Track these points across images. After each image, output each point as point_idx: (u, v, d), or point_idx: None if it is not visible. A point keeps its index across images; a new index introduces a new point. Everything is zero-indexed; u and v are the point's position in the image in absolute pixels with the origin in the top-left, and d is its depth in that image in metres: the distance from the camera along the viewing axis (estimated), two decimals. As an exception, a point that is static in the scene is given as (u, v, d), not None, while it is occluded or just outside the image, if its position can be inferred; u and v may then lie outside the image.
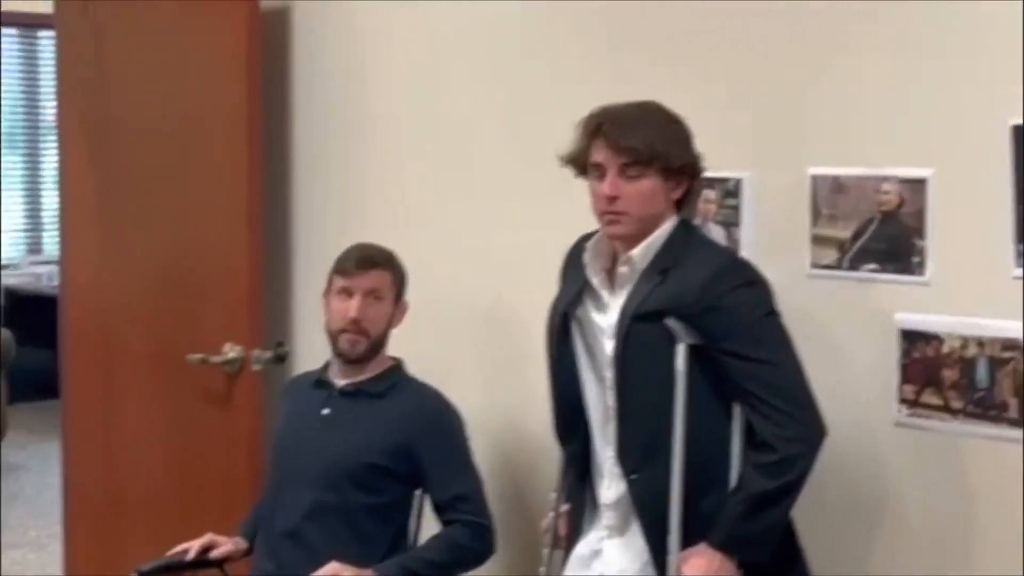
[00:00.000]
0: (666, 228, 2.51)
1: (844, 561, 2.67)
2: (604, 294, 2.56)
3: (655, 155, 2.45)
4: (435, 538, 3.08)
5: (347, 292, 3.10)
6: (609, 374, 2.53)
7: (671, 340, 2.44)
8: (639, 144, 2.45)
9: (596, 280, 2.57)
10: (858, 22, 2.63)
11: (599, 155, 2.49)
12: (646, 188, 2.47)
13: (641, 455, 2.50)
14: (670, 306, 2.44)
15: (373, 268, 3.12)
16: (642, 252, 2.50)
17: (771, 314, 2.46)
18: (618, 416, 2.52)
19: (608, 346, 2.52)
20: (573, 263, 2.66)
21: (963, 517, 2.52)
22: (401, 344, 3.24)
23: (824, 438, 2.42)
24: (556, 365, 2.66)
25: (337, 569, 2.90)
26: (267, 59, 3.84)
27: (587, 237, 2.61)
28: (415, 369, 3.23)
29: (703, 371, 2.45)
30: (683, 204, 2.55)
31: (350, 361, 3.13)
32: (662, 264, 2.48)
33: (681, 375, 2.44)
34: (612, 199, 2.48)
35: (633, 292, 2.50)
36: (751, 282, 2.48)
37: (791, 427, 2.38)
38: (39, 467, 6.90)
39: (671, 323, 2.43)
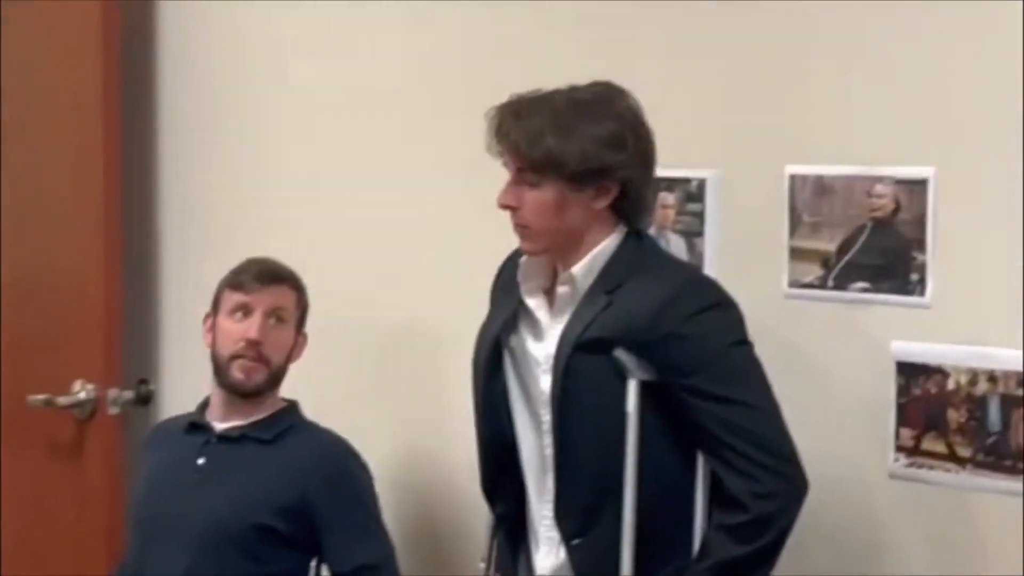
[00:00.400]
0: (612, 241, 2.42)
1: None
2: (542, 319, 2.47)
3: (549, 161, 2.36)
4: None
5: (245, 310, 2.99)
6: (546, 416, 2.44)
7: (620, 375, 2.36)
8: (531, 149, 2.38)
9: (533, 302, 2.48)
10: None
11: (503, 155, 2.44)
12: (546, 198, 2.39)
13: (584, 516, 2.41)
14: (619, 334, 2.35)
15: (277, 283, 3.03)
16: (584, 269, 2.41)
17: (741, 344, 2.37)
18: (556, 468, 2.43)
19: (545, 382, 2.43)
20: (506, 281, 2.57)
21: None
22: (295, 381, 3.14)
23: (806, 494, 2.33)
24: (484, 405, 2.55)
25: None
26: (129, 58, 3.82)
27: (520, 252, 2.54)
28: (313, 411, 3.12)
29: (659, 412, 2.36)
30: (630, 213, 2.44)
31: (245, 394, 3.00)
32: (609, 283, 2.40)
33: (632, 417, 2.34)
34: (510, 209, 2.43)
35: (574, 317, 2.40)
36: (716, 304, 2.39)
37: (766, 481, 2.29)
38: None
39: (620, 355, 2.34)
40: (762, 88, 2.70)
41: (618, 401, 2.35)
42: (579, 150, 2.35)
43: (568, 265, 2.41)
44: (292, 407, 3.09)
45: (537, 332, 2.48)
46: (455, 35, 3.23)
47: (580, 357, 2.36)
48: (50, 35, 3.86)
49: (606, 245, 2.42)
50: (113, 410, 3.68)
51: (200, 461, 3.02)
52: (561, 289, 2.43)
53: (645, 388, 2.34)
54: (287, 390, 3.13)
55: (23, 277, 3.95)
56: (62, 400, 3.69)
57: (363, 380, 3.41)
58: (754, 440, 2.30)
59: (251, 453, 3.01)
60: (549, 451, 2.44)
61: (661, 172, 2.68)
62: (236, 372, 2.97)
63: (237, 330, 2.98)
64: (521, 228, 2.43)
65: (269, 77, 3.64)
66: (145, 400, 3.83)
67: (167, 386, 3.85)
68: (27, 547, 3.87)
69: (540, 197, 2.38)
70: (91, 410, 3.69)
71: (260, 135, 3.68)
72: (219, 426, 3.03)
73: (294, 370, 3.13)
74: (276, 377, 3.02)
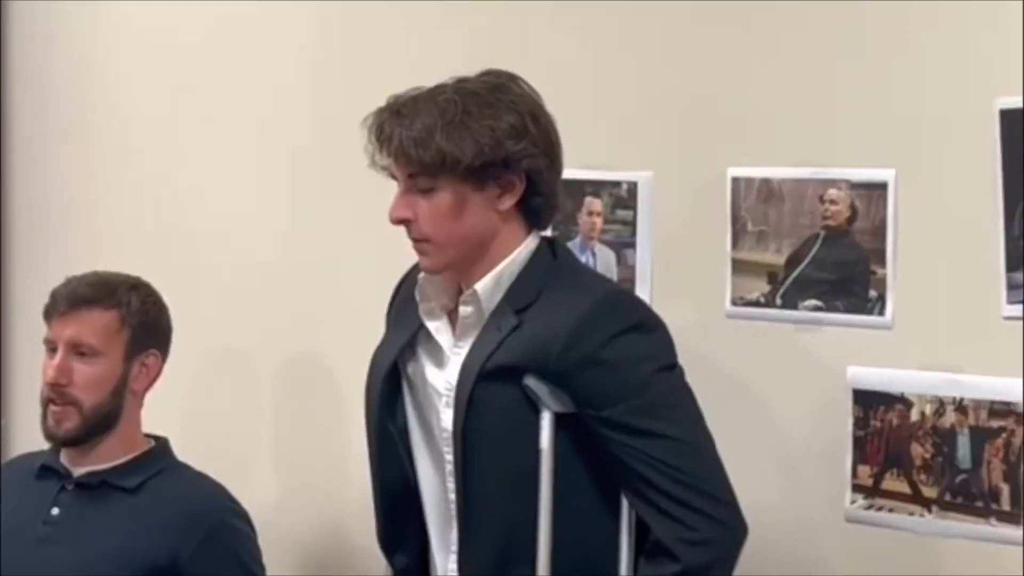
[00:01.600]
0: (522, 252, 2.34)
1: None
2: (444, 344, 2.38)
3: (442, 158, 2.29)
4: None
5: (50, 345, 2.90)
6: (449, 455, 2.36)
7: (533, 407, 2.27)
8: (413, 145, 2.31)
9: (433, 325, 2.39)
10: None
11: (390, 165, 2.39)
12: (443, 203, 2.32)
13: (493, 569, 2.34)
14: (530, 360, 2.26)
15: (83, 307, 2.88)
16: (490, 285, 2.33)
17: (667, 369, 2.28)
18: (460, 515, 2.35)
19: (446, 416, 2.34)
20: (403, 300, 2.49)
21: None
22: (164, 417, 3.04)
23: (744, 539, 2.25)
24: (379, 442, 2.46)
25: None
26: None
27: (417, 268, 2.47)
28: (185, 453, 3.00)
29: (577, 449, 2.28)
30: (541, 211, 2.36)
31: (63, 445, 2.89)
32: (519, 302, 2.31)
33: (547, 455, 2.26)
34: (404, 223, 2.36)
35: (479, 341, 2.33)
36: (639, 325, 2.30)
37: (698, 526, 2.22)
38: None
39: (531, 383, 2.25)
40: (701, 81, 2.65)
41: (530, 436, 2.26)
42: (474, 143, 2.27)
43: (472, 282, 2.33)
44: (161, 447, 2.96)
45: (438, 359, 2.40)
46: (333, 28, 3.23)
47: (486, 387, 2.28)
48: None
49: (514, 257, 2.34)
50: None
51: (54, 512, 2.87)
52: (464, 309, 2.35)
53: (560, 421, 2.26)
54: (162, 428, 2.99)
55: None
56: None
57: (249, 415, 3.38)
58: (682, 480, 2.22)
59: (113, 504, 2.88)
60: (452, 495, 2.38)
61: (588, 175, 2.68)
62: (48, 420, 2.88)
63: (44, 370, 2.90)
64: (419, 243, 2.35)
65: (142, 53, 3.64)
66: None
67: (17, 420, 3.81)
68: None
69: (436, 203, 2.31)
70: None
71: (124, 144, 3.66)
72: (76, 471, 2.89)
73: (166, 402, 3.02)
74: (98, 420, 2.87)
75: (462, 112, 2.28)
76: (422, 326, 2.40)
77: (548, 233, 2.45)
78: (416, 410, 2.45)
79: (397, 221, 2.32)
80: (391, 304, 2.54)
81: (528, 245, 2.33)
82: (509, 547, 2.30)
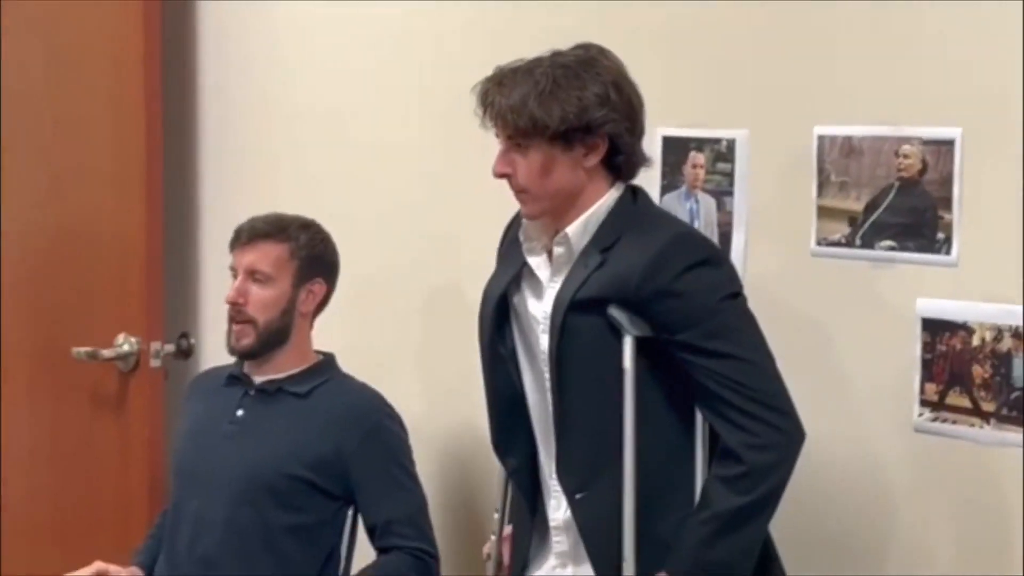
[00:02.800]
0: (607, 199, 2.44)
1: None
2: (542, 278, 2.48)
3: (534, 125, 2.39)
4: (371, 567, 3.00)
5: (234, 272, 3.03)
6: (547, 374, 2.46)
7: (616, 333, 2.36)
8: (510, 112, 2.40)
9: (534, 261, 2.49)
10: None
11: (494, 126, 2.47)
12: (535, 161, 2.41)
13: (586, 471, 2.43)
14: (612, 292, 2.36)
15: (259, 240, 3.02)
16: (579, 228, 2.43)
17: (734, 297, 2.38)
18: (557, 425, 2.45)
19: (544, 341, 2.45)
20: (510, 241, 2.59)
21: (995, 542, 2.42)
22: (332, 337, 3.15)
23: (802, 444, 2.34)
24: (490, 360, 2.58)
25: None
26: (171, 45, 3.86)
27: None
28: (348, 365, 3.12)
29: (655, 368, 2.37)
30: (623, 167, 2.45)
31: (243, 355, 3.04)
32: (603, 242, 2.41)
33: (629, 374, 2.35)
34: (506, 176, 2.45)
35: (569, 277, 2.42)
36: (707, 260, 2.39)
37: (761, 433, 2.31)
38: None
39: (614, 312, 2.35)
40: (790, 49, 2.68)
41: (615, 358, 2.36)
42: (560, 111, 2.36)
43: (564, 226, 2.44)
44: (328, 361, 3.10)
45: (538, 291, 2.50)
46: (473, 22, 3.24)
47: (575, 316, 2.38)
48: (98, 22, 3.88)
49: (600, 204, 2.43)
50: (155, 363, 3.70)
51: (239, 413, 3.05)
52: (557, 249, 2.45)
53: (640, 344, 2.34)
54: (330, 346, 3.14)
55: (71, 235, 3.96)
56: (106, 353, 3.71)
57: (399, 333, 3.41)
58: (747, 393, 2.31)
59: (287, 406, 3.03)
60: (550, 406, 2.47)
61: (693, 133, 2.73)
62: (231, 337, 3.03)
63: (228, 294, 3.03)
64: (518, 193, 2.45)
65: (309, 53, 3.67)
66: (186, 353, 3.84)
67: (207, 340, 3.86)
68: (70, 498, 3.92)
69: (530, 161, 2.41)
70: (134, 363, 3.71)
71: (300, 119, 3.69)
72: (257, 379, 3.06)
73: (335, 325, 3.14)
74: (270, 336, 3.02)
75: (552, 83, 2.37)
76: (525, 263, 2.50)
77: (636, 182, 2.51)
78: (521, 335, 2.54)
79: (498, 175, 2.44)
80: (501, 243, 2.65)
81: (612, 195, 2.43)
82: (600, 454, 2.40)
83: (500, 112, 2.40)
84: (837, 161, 2.57)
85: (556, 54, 2.42)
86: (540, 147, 2.39)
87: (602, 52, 2.43)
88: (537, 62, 2.41)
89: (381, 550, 2.98)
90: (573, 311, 2.37)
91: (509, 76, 2.41)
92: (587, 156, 2.40)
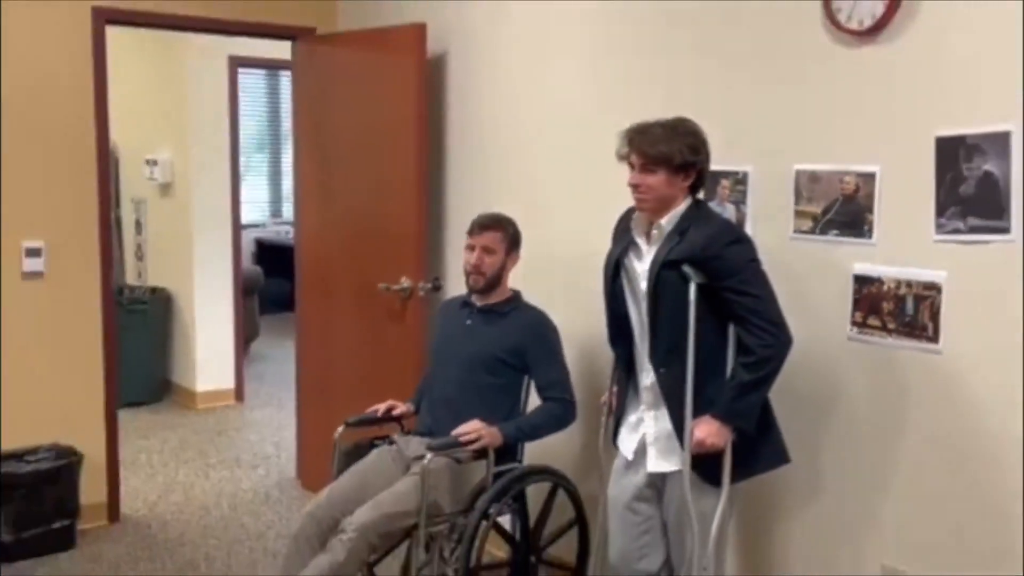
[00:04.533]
0: (685, 204, 2.44)
1: (805, 437, 2.59)
2: (643, 248, 2.50)
3: (663, 158, 2.38)
4: (537, 409, 3.04)
5: (471, 247, 3.05)
6: (645, 303, 2.47)
7: (686, 280, 2.38)
8: (651, 151, 2.39)
9: (639, 239, 2.51)
10: (825, 62, 2.54)
11: (631, 157, 2.44)
12: (659, 180, 2.40)
13: (666, 355, 2.44)
14: (685, 256, 2.37)
15: (487, 230, 3.03)
16: (668, 220, 2.44)
17: (754, 261, 2.39)
18: (650, 330, 2.46)
19: (644, 284, 2.46)
20: (622, 227, 2.59)
21: (895, 406, 2.44)
22: (521, 280, 3.20)
23: (790, 346, 2.36)
24: (610, 296, 2.58)
25: (476, 423, 2.91)
26: (431, 87, 3.79)
27: (633, 210, 2.54)
28: (529, 297, 3.17)
29: (707, 301, 2.38)
30: (696, 188, 2.46)
31: (475, 292, 3.09)
32: (681, 228, 2.42)
33: (692, 304, 2.38)
34: (635, 186, 2.43)
35: (661, 247, 2.43)
36: (739, 239, 2.42)
37: (766, 338, 2.33)
38: (281, 356, 6.94)
39: (686, 268, 2.37)
40: (778, 119, 2.67)
41: (684, 295, 2.38)
42: (678, 151, 2.39)
43: (659, 219, 2.44)
44: (517, 295, 3.15)
45: (640, 256, 2.50)
46: (621, 83, 3.14)
47: (663, 270, 2.40)
48: (391, 74, 3.82)
49: (680, 207, 2.43)
50: (421, 293, 3.77)
51: (468, 323, 3.12)
52: (654, 232, 2.47)
53: (699, 288, 2.37)
54: (519, 286, 3.15)
55: (374, 220, 3.96)
56: (395, 287, 3.80)
57: (557, 284, 3.35)
58: (760, 315, 2.34)
59: (494, 319, 3.09)
60: (646, 321, 2.47)
61: (721, 167, 2.68)
62: (468, 281, 3.07)
63: (467, 258, 3.05)
64: (639, 198, 2.45)
65: (510, 91, 3.57)
66: (437, 288, 3.87)
67: (449, 280, 3.87)
68: (373, 367, 3.98)
69: (656, 179, 2.41)
70: (409, 293, 3.78)
71: (508, 139, 3.60)
72: (478, 304, 3.12)
73: (523, 275, 3.16)
74: (492, 282, 3.04)
75: (672, 134, 2.40)
76: (632, 240, 2.51)
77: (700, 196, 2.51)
78: (628, 281, 2.53)
79: (632, 186, 2.44)
80: (615, 228, 2.63)
81: (687, 202, 2.44)
82: (674, 347, 2.41)
83: (642, 148, 2.40)
84: (806, 184, 2.60)
85: (668, 119, 2.43)
86: (662, 172, 2.40)
87: (692, 121, 2.45)
88: (659, 121, 2.43)
89: (543, 399, 3.03)
90: (662, 267, 2.39)
91: (646, 127, 2.42)
92: (685, 180, 2.42)
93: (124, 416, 4.57)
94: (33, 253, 3.76)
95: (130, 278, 6.22)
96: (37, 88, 3.72)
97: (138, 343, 5.60)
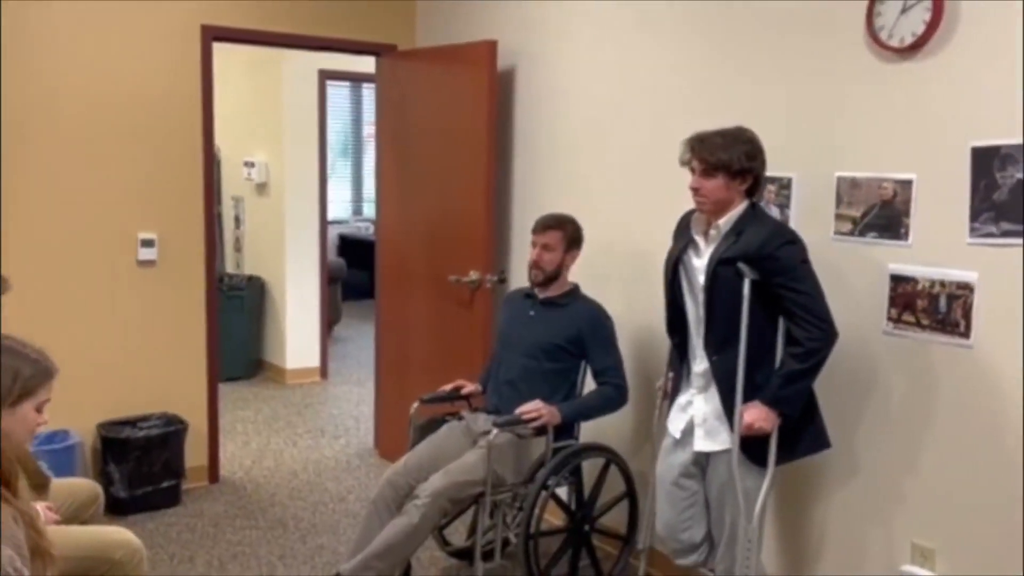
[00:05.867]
0: (741, 206, 2.42)
1: (842, 423, 2.57)
2: (702, 246, 2.48)
3: (721, 164, 2.36)
4: (592, 392, 3.04)
5: (534, 244, 3.05)
6: (701, 296, 2.46)
7: (740, 276, 2.36)
8: (711, 158, 2.37)
9: (698, 238, 2.49)
10: (866, 77, 2.50)
11: (692, 163, 2.42)
12: (716, 184, 2.38)
13: (720, 344, 2.43)
14: (741, 255, 2.36)
15: (548, 230, 3.02)
16: (725, 221, 2.42)
17: (805, 261, 2.36)
18: (705, 321, 2.45)
19: (701, 279, 2.45)
20: (682, 226, 2.58)
21: (927, 396, 2.41)
22: (580, 275, 3.18)
23: (836, 339, 2.34)
24: (669, 289, 2.56)
25: (537, 403, 2.92)
26: (500, 98, 3.79)
27: (693, 211, 2.52)
28: (587, 290, 3.16)
29: (759, 296, 2.36)
30: (752, 192, 2.43)
31: (536, 285, 3.08)
32: (737, 229, 2.40)
33: (746, 298, 2.36)
34: (696, 190, 2.41)
35: (718, 246, 2.41)
36: (793, 240, 2.38)
37: (813, 331, 2.30)
38: (360, 339, 7.09)
39: (741, 266, 2.36)
40: (822, 128, 2.64)
41: (738, 290, 2.36)
42: (736, 158, 2.36)
43: (717, 219, 2.43)
44: (576, 288, 3.13)
45: (699, 253, 2.48)
46: (677, 95, 3.09)
47: (720, 267, 2.38)
48: (464, 86, 3.80)
49: (737, 209, 2.41)
50: (488, 285, 3.75)
51: (531, 313, 3.12)
52: (712, 231, 2.45)
53: (753, 284, 2.36)
54: (578, 279, 3.14)
55: (446, 217, 3.95)
56: (464, 279, 3.79)
57: (613, 277, 3.33)
58: (810, 311, 2.31)
59: (554, 310, 3.08)
60: (702, 313, 2.46)
61: (767, 173, 2.59)
62: (529, 275, 3.07)
63: (531, 254, 3.05)
64: (699, 200, 2.43)
65: (572, 102, 3.55)
66: (503, 281, 3.86)
67: (513, 274, 3.86)
68: (444, 351, 3.97)
69: (714, 183, 2.39)
70: (477, 284, 3.77)
71: (569, 145, 3.57)
72: (540, 296, 3.11)
73: (581, 270, 3.15)
74: (551, 277, 3.01)
75: (731, 142, 2.38)
76: (691, 239, 2.48)
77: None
78: (687, 276, 2.50)
79: (693, 189, 2.41)
80: (676, 227, 2.60)
81: (744, 205, 2.41)
82: (727, 337, 2.39)
83: (702, 155, 2.38)
84: (846, 190, 2.56)
85: (728, 128, 2.41)
86: (720, 177, 2.37)
87: (750, 130, 2.43)
88: (720, 132, 2.40)
89: (599, 384, 3.02)
90: (719, 264, 2.37)
91: (706, 136, 2.40)
92: (741, 184, 2.39)
93: (223, 389, 4.68)
94: (147, 244, 3.84)
95: (229, 267, 6.34)
96: (152, 97, 3.81)
97: (236, 325, 5.71)
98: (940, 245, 2.36)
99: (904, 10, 2.38)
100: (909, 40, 2.38)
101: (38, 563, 1.56)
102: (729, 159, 2.35)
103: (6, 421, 1.59)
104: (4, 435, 1.57)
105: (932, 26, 2.33)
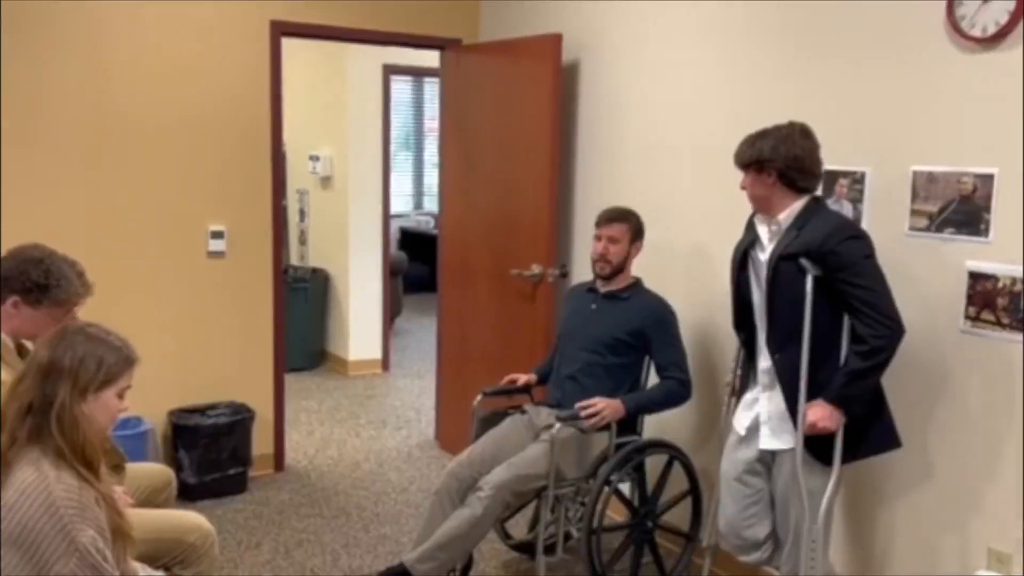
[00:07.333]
0: (802, 201, 2.40)
1: (915, 424, 2.54)
2: (765, 242, 2.48)
3: (748, 161, 2.38)
4: (656, 386, 3.04)
5: (598, 237, 3.07)
6: (765, 291, 2.45)
7: (803, 272, 2.34)
8: (737, 158, 2.41)
9: (763, 234, 2.50)
10: (946, 67, 2.46)
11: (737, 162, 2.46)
12: (750, 181, 2.42)
13: (783, 341, 2.42)
14: (803, 250, 2.34)
15: (613, 222, 3.05)
16: (785, 217, 2.41)
17: (869, 256, 2.33)
18: (768, 317, 2.44)
19: (764, 274, 2.44)
20: (749, 224, 2.59)
21: (1006, 398, 2.37)
22: (643, 269, 3.21)
23: (902, 337, 2.28)
24: (736, 284, 2.57)
25: (598, 400, 2.92)
26: (564, 92, 3.80)
27: None
28: (650, 284, 3.17)
29: (822, 292, 2.34)
30: (799, 186, 2.37)
31: (600, 278, 3.10)
32: (799, 224, 2.38)
33: (809, 294, 2.34)
34: (744, 188, 2.45)
35: (780, 241, 2.41)
36: (857, 235, 2.35)
37: (879, 328, 2.28)
38: (421, 331, 7.14)
39: (803, 261, 2.34)
40: (897, 121, 2.60)
41: (802, 285, 2.35)
42: (756, 154, 2.36)
43: (772, 215, 2.43)
44: (638, 281, 3.15)
45: (763, 249, 2.49)
46: (743, 89, 3.09)
47: (782, 262, 2.37)
48: (528, 80, 3.80)
49: (797, 205, 2.39)
50: (550, 279, 3.76)
51: (593, 307, 3.13)
52: (773, 227, 2.45)
53: (816, 280, 2.34)
54: (641, 273, 3.16)
55: (509, 212, 3.96)
56: (526, 272, 3.81)
57: (677, 271, 3.34)
58: (875, 307, 2.29)
59: (617, 304, 3.09)
60: (766, 308, 2.45)
61: (840, 167, 2.64)
62: (595, 268, 3.08)
63: (595, 247, 3.07)
64: (749, 199, 2.47)
65: (636, 99, 3.55)
66: (565, 275, 3.86)
67: (575, 268, 3.86)
68: (505, 344, 4.02)
69: (747, 181, 2.44)
70: (540, 278, 3.78)
71: (633, 141, 3.54)
72: (602, 290, 3.13)
73: (645, 263, 3.18)
74: (616, 270, 3.03)
75: (759, 138, 2.38)
76: (756, 235, 2.50)
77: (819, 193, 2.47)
78: (753, 270, 2.51)
79: (743, 188, 2.45)
80: (747, 222, 2.59)
81: (803, 200, 2.39)
82: (791, 333, 2.38)
83: (735, 156, 2.45)
84: (923, 184, 2.53)
85: (772, 126, 2.40)
86: (751, 174, 2.41)
87: (787, 124, 2.39)
88: (760, 130, 2.42)
89: (662, 378, 3.02)
90: (781, 259, 2.37)
91: (754, 136, 2.42)
92: (768, 177, 2.39)
93: (288, 379, 4.72)
94: (217, 235, 3.90)
95: (294, 259, 6.44)
96: (223, 93, 3.88)
97: (300, 316, 5.79)
98: (1020, 241, 2.32)
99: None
100: (992, 30, 2.34)
101: (119, 544, 1.63)
102: (750, 156, 2.37)
103: (90, 407, 1.66)
104: (88, 420, 1.64)
105: (1016, 16, 2.29)
